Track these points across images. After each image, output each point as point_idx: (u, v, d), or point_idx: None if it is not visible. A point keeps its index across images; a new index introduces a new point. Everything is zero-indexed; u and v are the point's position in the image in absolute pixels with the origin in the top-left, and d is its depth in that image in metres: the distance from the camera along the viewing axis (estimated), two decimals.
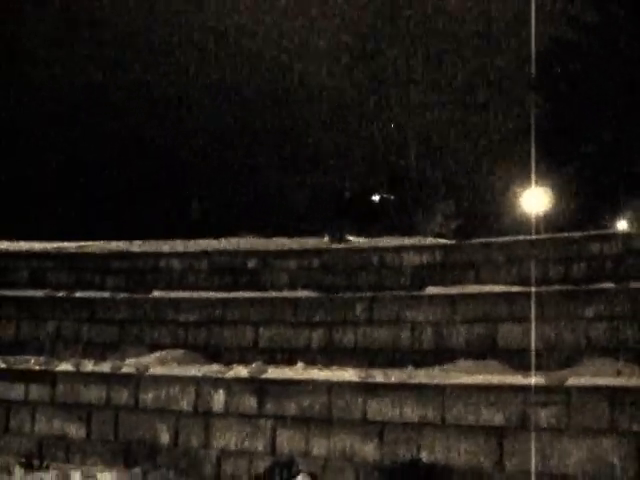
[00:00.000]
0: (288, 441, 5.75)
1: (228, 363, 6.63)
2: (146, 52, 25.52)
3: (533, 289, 6.68)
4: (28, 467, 6.14)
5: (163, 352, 7.12)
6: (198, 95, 26.04)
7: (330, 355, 7.01)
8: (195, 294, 8.09)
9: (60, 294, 8.55)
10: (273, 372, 6.16)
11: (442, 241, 9.90)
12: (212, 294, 8.04)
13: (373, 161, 26.26)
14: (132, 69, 25.32)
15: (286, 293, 8.00)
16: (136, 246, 10.57)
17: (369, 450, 5.54)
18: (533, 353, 6.16)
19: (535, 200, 17.84)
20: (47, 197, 23.90)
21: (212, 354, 7.30)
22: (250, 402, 5.92)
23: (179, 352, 7.18)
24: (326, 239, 10.75)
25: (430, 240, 10.46)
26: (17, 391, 6.81)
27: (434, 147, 24.77)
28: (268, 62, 26.70)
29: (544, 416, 5.06)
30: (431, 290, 7.45)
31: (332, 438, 5.65)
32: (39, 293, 8.66)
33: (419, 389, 5.55)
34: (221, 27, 26.13)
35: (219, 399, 6.02)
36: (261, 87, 26.48)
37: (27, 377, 6.81)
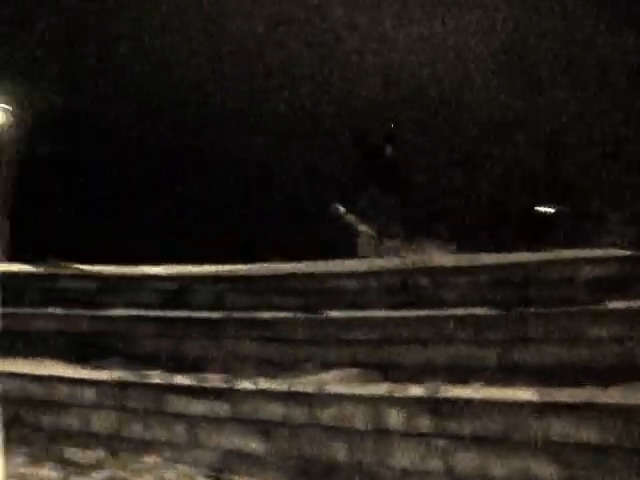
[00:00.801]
0: (465, 462, 5.66)
1: (401, 382, 6.64)
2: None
3: None
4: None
5: (338, 371, 7.23)
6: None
7: (506, 374, 6.82)
8: (368, 313, 8.17)
9: (238, 314, 8.92)
10: (448, 391, 6.10)
11: (620, 252, 9.41)
12: (384, 312, 8.09)
13: (536, 169, 25.42)
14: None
15: (458, 310, 7.90)
16: (306, 267, 10.81)
17: (550, 473, 5.35)
18: None
19: None
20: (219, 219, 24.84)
21: (385, 373, 7.33)
22: (426, 421, 5.89)
23: (354, 371, 7.26)
24: None
25: (606, 252, 9.96)
26: (200, 407, 7.15)
27: (604, 150, 23.58)
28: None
29: None
30: (612, 304, 7.11)
31: (510, 460, 5.50)
32: (218, 314, 9.07)
33: (603, 410, 5.29)
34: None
35: (395, 418, 6.04)
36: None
37: (209, 394, 7.14)
